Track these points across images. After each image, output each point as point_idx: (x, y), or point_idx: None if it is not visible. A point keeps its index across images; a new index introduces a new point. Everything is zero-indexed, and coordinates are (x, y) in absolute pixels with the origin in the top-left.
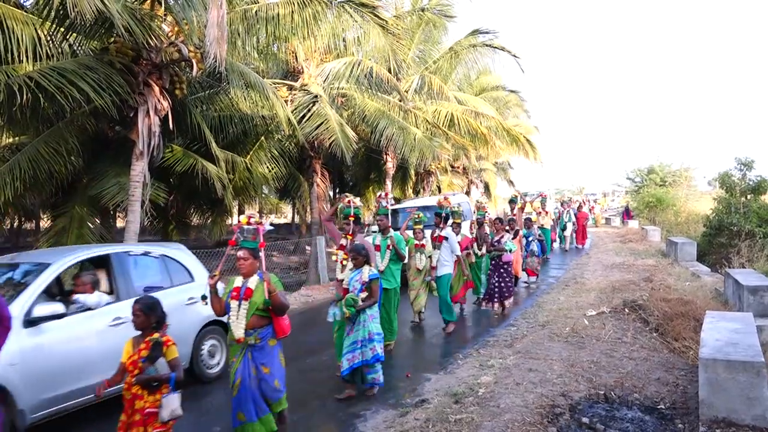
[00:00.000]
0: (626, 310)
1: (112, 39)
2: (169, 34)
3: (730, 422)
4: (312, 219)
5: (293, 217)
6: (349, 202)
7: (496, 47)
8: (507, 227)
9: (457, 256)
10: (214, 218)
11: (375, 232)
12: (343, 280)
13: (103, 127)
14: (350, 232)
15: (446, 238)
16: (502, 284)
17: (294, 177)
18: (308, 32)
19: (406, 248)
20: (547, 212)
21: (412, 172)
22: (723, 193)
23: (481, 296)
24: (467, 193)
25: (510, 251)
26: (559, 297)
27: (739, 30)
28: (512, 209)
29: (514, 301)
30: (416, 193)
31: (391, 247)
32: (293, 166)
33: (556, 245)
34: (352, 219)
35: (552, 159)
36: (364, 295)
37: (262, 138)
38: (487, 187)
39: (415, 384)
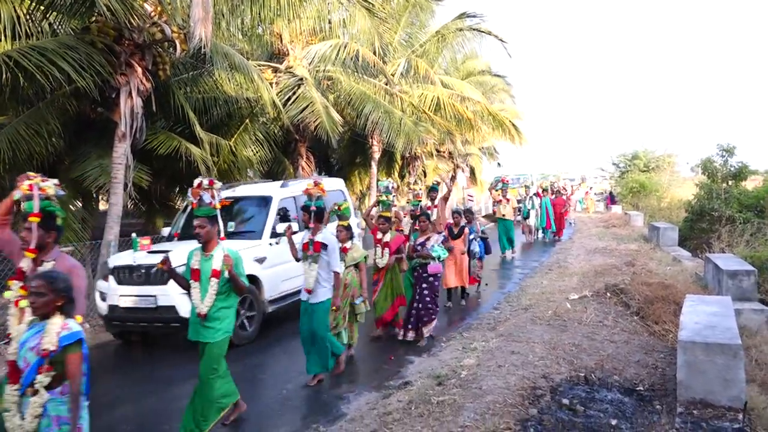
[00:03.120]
0: (608, 293)
1: (94, 18)
2: (152, 13)
3: (706, 403)
4: None
5: None
6: (30, 187)
7: (483, 31)
8: (456, 221)
9: (336, 272)
10: None
11: (167, 250)
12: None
13: (84, 108)
14: (33, 247)
15: (325, 246)
16: (420, 306)
17: (279, 160)
18: (294, 14)
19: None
20: (508, 200)
21: (398, 157)
22: (705, 179)
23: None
24: (453, 178)
25: (438, 259)
26: (542, 281)
27: (722, 17)
28: (432, 199)
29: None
30: (402, 177)
31: (221, 273)
32: (278, 149)
33: (534, 237)
34: (36, 220)
35: (538, 143)
36: (44, 379)
37: (247, 121)
38: (473, 172)
39: (399, 367)
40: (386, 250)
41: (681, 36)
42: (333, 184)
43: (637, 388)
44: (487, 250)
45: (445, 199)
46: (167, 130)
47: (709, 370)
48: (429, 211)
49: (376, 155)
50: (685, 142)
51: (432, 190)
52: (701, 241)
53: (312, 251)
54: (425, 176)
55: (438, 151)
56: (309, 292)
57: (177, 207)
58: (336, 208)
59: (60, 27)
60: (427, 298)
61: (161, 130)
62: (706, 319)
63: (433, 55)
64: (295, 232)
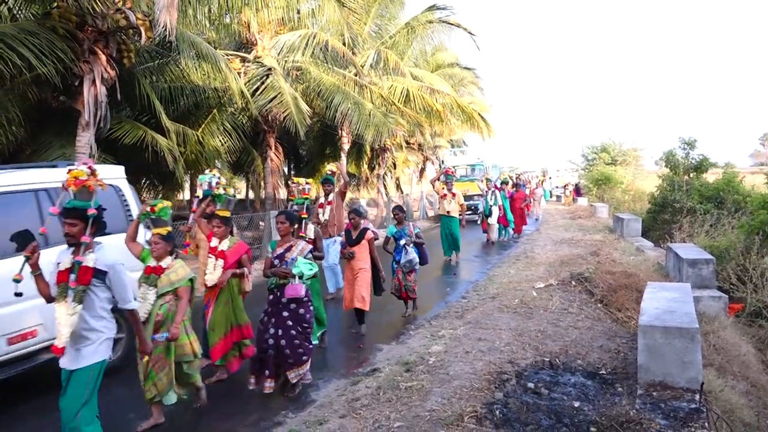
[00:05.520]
0: (573, 282)
1: (55, 3)
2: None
3: (665, 385)
4: (266, 194)
5: (247, 193)
6: None
7: (452, 24)
8: (355, 223)
9: (129, 311)
10: (165, 193)
11: None
12: None
13: (46, 96)
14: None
15: (102, 275)
16: (282, 343)
17: (248, 151)
18: (262, 3)
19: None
20: (454, 195)
21: (368, 148)
22: (668, 171)
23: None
24: (422, 171)
25: (300, 278)
26: (509, 270)
27: (688, 18)
28: (327, 194)
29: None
30: (371, 169)
31: None
32: (247, 140)
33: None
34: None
35: (508, 136)
36: None
37: (215, 110)
38: (442, 164)
39: (368, 354)
40: (220, 261)
41: (649, 33)
42: (106, 173)
43: (600, 372)
44: (422, 258)
45: (342, 193)
46: (133, 120)
47: (667, 353)
48: (320, 209)
49: (346, 146)
50: (651, 136)
51: (326, 182)
52: (663, 231)
53: (75, 282)
54: (395, 168)
55: (407, 143)
56: (59, 352)
57: (143, 198)
58: (148, 210)
59: (20, 12)
60: (292, 332)
61: (126, 120)
62: (666, 305)
63: (403, 47)
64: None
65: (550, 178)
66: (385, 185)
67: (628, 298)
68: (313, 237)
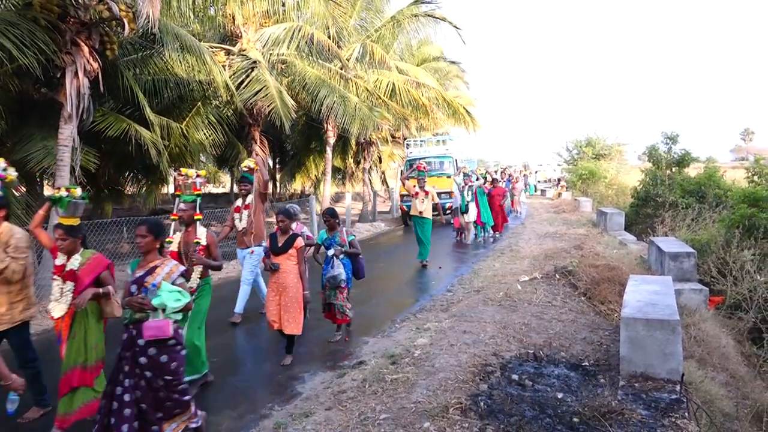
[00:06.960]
0: (557, 275)
1: None
2: None
3: (647, 376)
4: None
5: (232, 187)
6: None
7: (437, 17)
8: (283, 226)
9: None
10: (149, 186)
11: None
12: None
13: (27, 88)
14: None
15: None
16: (140, 395)
17: (232, 145)
18: None
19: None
20: (427, 193)
21: (353, 142)
22: (651, 166)
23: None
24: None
25: (164, 311)
26: (494, 264)
27: (671, 13)
28: (244, 195)
29: None
30: (357, 163)
31: None
32: (232, 133)
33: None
34: None
35: (492, 130)
36: None
37: (199, 104)
38: None
39: (353, 347)
40: (69, 285)
41: (633, 28)
42: None
43: (583, 364)
44: (357, 272)
45: (263, 196)
46: (116, 112)
47: (649, 345)
48: (237, 214)
49: (331, 140)
50: (634, 131)
51: (243, 180)
52: (646, 225)
53: None
54: (380, 162)
55: (393, 136)
56: None
57: (127, 191)
58: None
59: (0, 3)
60: (154, 385)
61: (110, 112)
62: (647, 297)
63: (389, 41)
64: None
65: (535, 172)
66: (370, 179)
67: (611, 291)
68: (205, 243)
